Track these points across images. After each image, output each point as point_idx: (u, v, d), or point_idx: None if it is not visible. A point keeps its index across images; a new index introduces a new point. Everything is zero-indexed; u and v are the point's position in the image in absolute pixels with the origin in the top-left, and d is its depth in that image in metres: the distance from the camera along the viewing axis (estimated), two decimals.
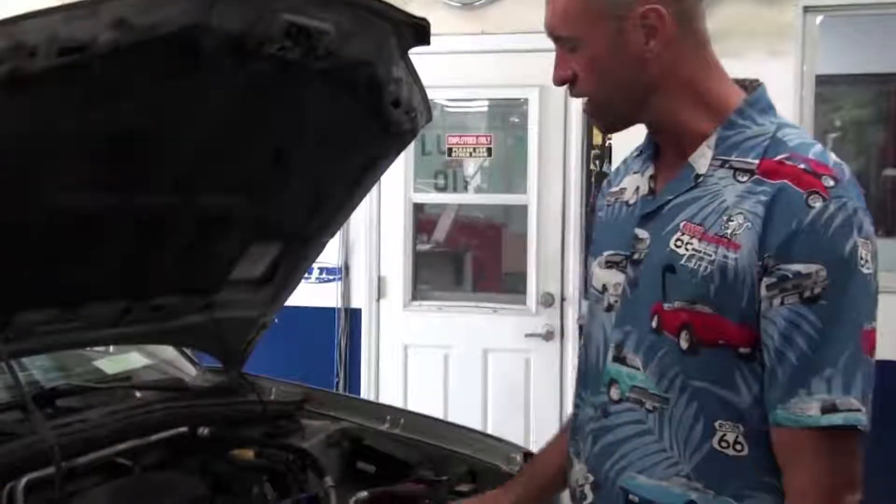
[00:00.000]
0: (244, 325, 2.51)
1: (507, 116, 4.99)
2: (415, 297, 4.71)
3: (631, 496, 1.36)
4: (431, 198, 4.93)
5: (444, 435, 2.48)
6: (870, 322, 1.26)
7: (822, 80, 4.21)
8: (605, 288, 1.45)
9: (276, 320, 2.59)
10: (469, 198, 4.98)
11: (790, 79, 4.00)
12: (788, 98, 3.90)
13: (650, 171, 1.45)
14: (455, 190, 4.86)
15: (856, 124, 5.08)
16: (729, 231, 1.29)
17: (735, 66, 1.46)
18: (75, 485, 1.92)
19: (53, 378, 2.48)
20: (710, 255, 1.29)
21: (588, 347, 1.49)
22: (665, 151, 1.44)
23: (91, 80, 1.56)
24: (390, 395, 4.52)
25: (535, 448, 2.50)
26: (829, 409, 1.23)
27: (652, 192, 1.43)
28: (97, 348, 2.67)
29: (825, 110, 4.62)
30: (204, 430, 2.27)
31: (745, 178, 1.31)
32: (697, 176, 1.35)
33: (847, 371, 1.23)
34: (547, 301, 4.48)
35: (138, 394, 2.46)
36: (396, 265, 4.68)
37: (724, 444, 1.30)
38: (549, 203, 4.48)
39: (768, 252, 1.25)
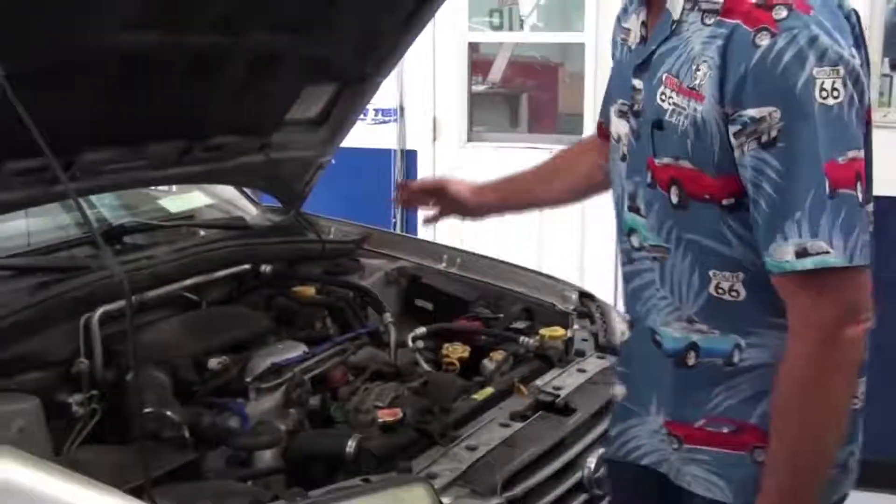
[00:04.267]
0: (301, 165, 2.54)
1: None
2: (470, 139, 4.68)
3: (655, 336, 1.41)
4: (487, 37, 4.82)
5: (500, 274, 2.52)
6: (841, 154, 1.18)
7: None
8: (619, 137, 1.45)
9: (332, 161, 2.61)
10: (525, 36, 4.87)
11: None
12: None
13: (643, 17, 1.41)
14: (511, 28, 4.75)
15: None
16: (696, 82, 1.25)
17: None
18: (146, 317, 2.01)
19: (121, 216, 2.55)
20: (685, 110, 1.26)
21: (614, 195, 1.50)
22: None
23: None
24: (447, 235, 4.57)
25: (589, 287, 2.54)
26: (801, 253, 1.19)
27: (643, 39, 1.39)
28: (161, 188, 2.74)
29: None
30: (266, 268, 2.34)
31: (710, 21, 1.25)
32: (674, 22, 1.30)
33: (812, 213, 1.18)
34: None
35: (202, 232, 2.52)
36: (452, 106, 4.64)
37: (720, 290, 1.31)
38: (607, 41, 4.33)
39: (725, 100, 1.21)
